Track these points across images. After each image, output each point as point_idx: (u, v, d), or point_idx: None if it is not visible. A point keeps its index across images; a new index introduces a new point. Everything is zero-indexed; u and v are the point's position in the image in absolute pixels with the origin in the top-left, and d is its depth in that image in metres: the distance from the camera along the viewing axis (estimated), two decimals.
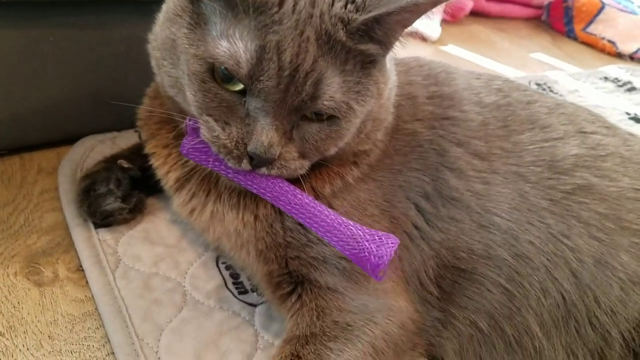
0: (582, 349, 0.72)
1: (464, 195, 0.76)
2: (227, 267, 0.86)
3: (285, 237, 0.74)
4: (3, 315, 0.74)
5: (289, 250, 0.74)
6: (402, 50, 0.68)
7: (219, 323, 0.77)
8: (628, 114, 1.57)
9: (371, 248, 0.62)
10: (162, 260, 0.85)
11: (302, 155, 0.67)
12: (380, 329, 0.71)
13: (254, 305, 0.81)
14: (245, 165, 0.65)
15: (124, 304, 0.76)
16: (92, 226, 0.87)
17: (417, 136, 0.79)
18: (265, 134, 0.62)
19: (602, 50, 2.23)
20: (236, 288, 0.83)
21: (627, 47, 2.18)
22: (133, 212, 0.89)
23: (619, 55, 2.19)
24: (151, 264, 0.83)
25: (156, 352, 0.71)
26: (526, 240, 0.73)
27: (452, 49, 1.94)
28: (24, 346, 0.71)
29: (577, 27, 2.30)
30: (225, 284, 0.84)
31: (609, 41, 2.21)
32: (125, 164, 0.90)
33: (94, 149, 1.01)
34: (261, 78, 0.60)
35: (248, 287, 0.84)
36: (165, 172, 0.81)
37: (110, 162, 0.91)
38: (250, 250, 0.76)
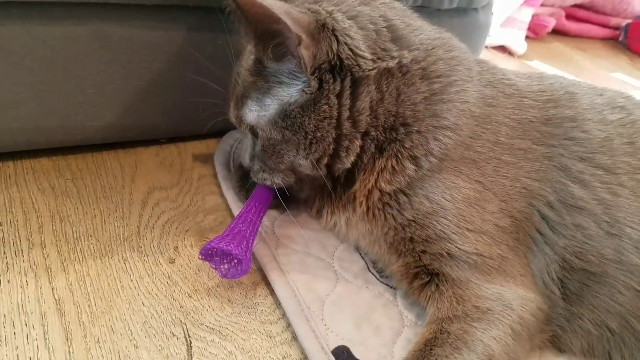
0: None
1: (590, 204, 0.80)
2: (367, 253, 0.96)
3: (408, 232, 0.82)
4: (188, 279, 0.85)
5: (415, 245, 0.82)
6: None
7: (369, 300, 0.87)
8: None
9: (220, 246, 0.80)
10: (312, 242, 0.95)
11: (263, 169, 0.88)
12: (517, 315, 0.78)
13: (395, 289, 0.91)
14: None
15: (290, 277, 0.86)
16: None
17: (532, 153, 0.83)
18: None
19: None
20: (377, 272, 0.93)
21: None
22: (283, 198, 1.00)
23: None
24: (304, 245, 0.94)
25: (322, 319, 0.81)
26: None
27: (537, 64, 2.00)
28: (209, 307, 0.82)
29: None
30: (368, 267, 0.94)
31: None
32: None
33: (241, 142, 1.13)
34: None
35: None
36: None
37: None
38: (382, 245, 0.86)
